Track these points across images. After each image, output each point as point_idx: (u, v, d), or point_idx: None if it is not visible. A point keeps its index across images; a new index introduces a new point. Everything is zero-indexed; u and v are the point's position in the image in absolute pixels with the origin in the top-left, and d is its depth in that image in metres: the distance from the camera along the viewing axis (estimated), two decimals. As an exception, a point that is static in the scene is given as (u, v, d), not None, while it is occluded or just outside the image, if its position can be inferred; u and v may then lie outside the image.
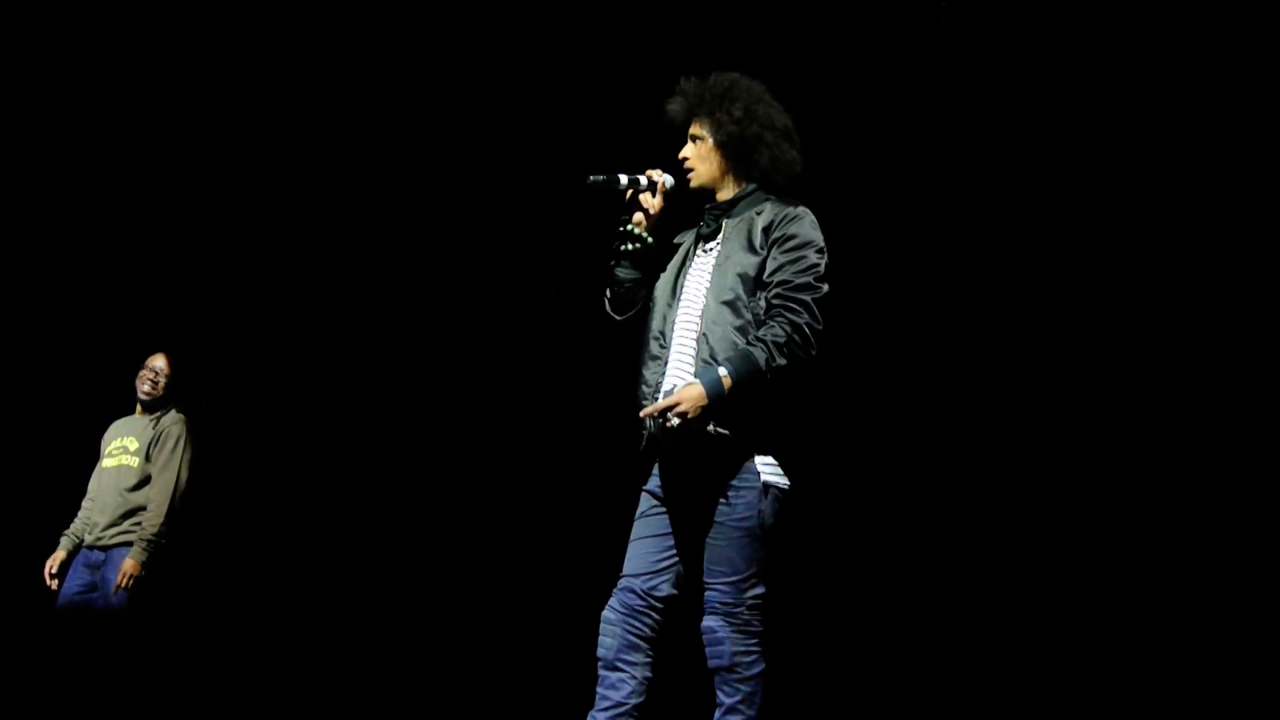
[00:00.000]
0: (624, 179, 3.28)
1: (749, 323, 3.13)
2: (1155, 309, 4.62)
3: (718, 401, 3.02)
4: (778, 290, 3.12)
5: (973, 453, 4.74)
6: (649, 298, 3.33)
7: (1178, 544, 4.56)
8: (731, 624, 3.10)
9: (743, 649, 3.10)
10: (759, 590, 3.12)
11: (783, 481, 3.13)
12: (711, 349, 3.11)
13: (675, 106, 3.32)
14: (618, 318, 3.35)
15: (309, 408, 5.02)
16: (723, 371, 3.04)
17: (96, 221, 4.90)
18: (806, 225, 3.20)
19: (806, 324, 3.08)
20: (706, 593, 3.13)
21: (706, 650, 3.11)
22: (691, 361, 3.15)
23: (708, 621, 3.12)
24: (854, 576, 4.76)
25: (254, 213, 4.98)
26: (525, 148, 4.99)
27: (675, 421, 3.02)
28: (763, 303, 3.14)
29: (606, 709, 3.15)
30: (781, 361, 3.05)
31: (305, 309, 5.01)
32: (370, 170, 5.01)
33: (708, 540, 3.12)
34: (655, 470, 3.23)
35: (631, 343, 3.33)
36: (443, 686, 4.96)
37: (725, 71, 3.31)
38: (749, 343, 3.09)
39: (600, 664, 3.19)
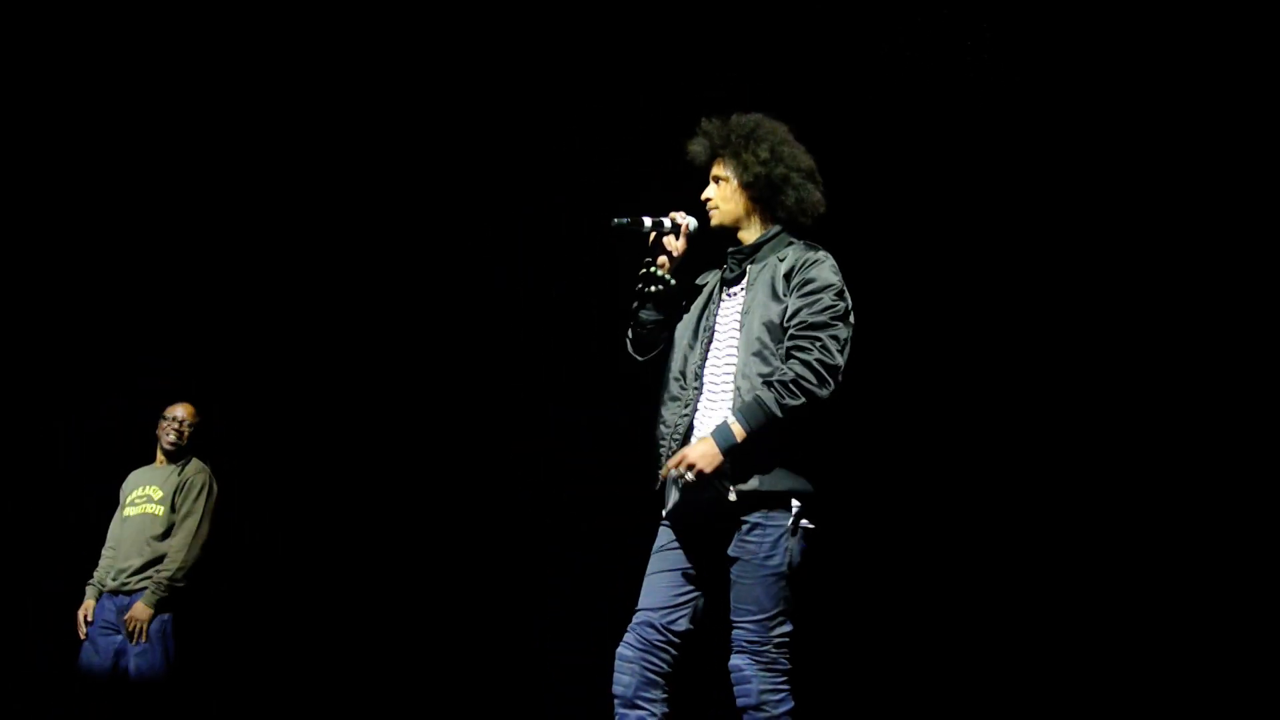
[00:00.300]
0: (648, 221, 3.28)
1: (776, 370, 3.13)
2: (1155, 309, 4.62)
3: (732, 453, 3.04)
4: (793, 330, 3.14)
5: (979, 461, 4.74)
6: (670, 338, 3.34)
7: (1179, 545, 4.56)
8: (759, 662, 3.09)
9: (770, 687, 3.09)
10: (786, 628, 3.12)
11: (807, 522, 3.14)
12: (743, 397, 3.11)
13: (697, 147, 3.33)
14: (640, 359, 3.36)
15: (309, 408, 5.02)
16: (732, 420, 3.06)
17: (96, 222, 4.90)
18: (826, 270, 3.21)
19: (818, 360, 3.08)
20: (734, 631, 3.12)
21: (735, 689, 3.10)
22: (727, 408, 3.15)
23: (735, 660, 3.11)
24: (864, 585, 4.76)
25: (255, 213, 4.98)
26: (525, 148, 4.99)
27: (690, 477, 3.04)
28: (785, 344, 3.16)
29: None
30: (792, 401, 3.05)
31: (306, 309, 5.01)
32: (371, 171, 5.01)
33: (734, 579, 3.12)
34: (674, 503, 3.22)
35: (651, 382, 3.35)
36: (443, 686, 4.96)
37: (747, 112, 3.31)
38: (756, 392, 3.09)
39: (618, 702, 3.16)
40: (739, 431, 3.05)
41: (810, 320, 3.13)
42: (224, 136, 4.92)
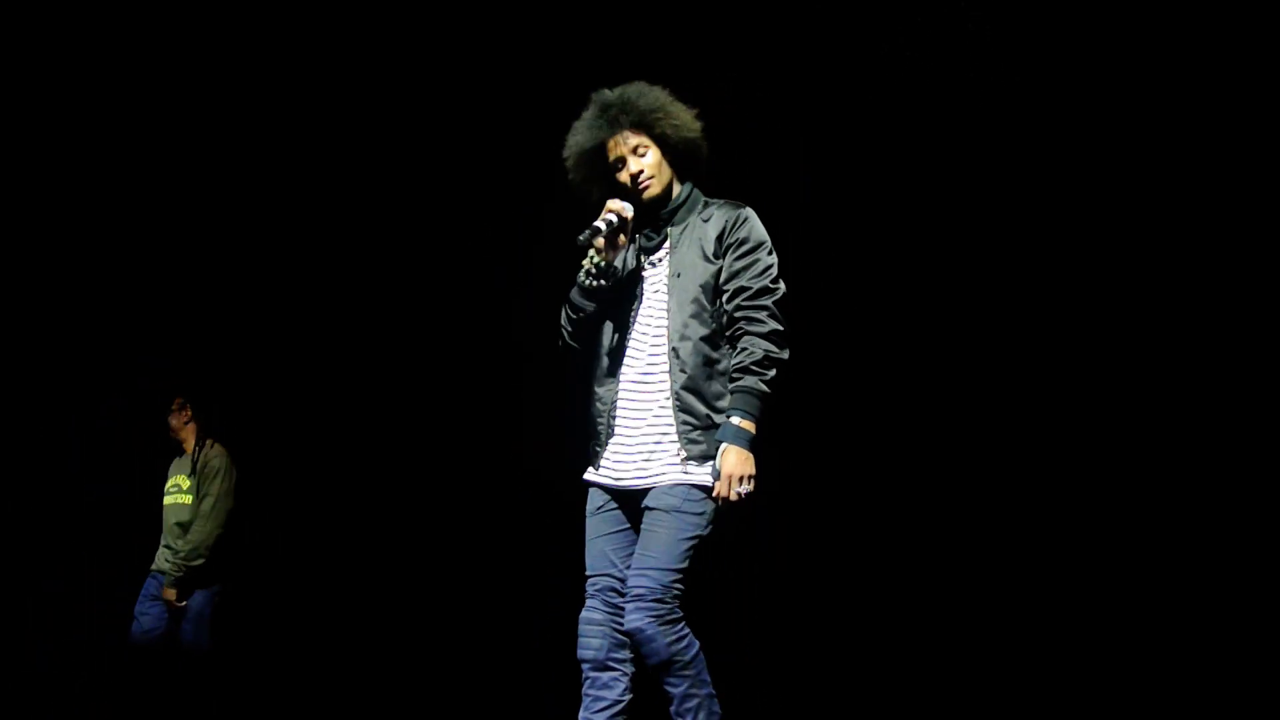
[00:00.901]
0: (602, 225, 3.21)
1: (716, 331, 3.17)
2: (1154, 308, 4.62)
3: (753, 446, 3.08)
4: (738, 301, 3.16)
5: (963, 451, 4.74)
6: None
7: (1177, 544, 4.56)
8: (660, 617, 3.06)
9: (673, 639, 3.07)
10: (679, 587, 3.10)
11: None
12: (683, 361, 3.14)
13: (600, 127, 3.26)
14: (578, 347, 3.35)
15: (309, 408, 5.02)
16: (736, 420, 3.09)
17: (95, 222, 4.90)
18: (757, 227, 3.23)
19: (772, 331, 3.13)
20: (629, 579, 3.12)
21: (641, 652, 3.08)
22: (665, 376, 3.16)
23: (632, 622, 3.08)
24: (845, 576, 4.76)
25: (255, 214, 4.98)
26: (525, 148, 4.99)
27: (747, 489, 3.07)
28: (724, 307, 3.17)
29: (603, 709, 3.14)
30: (771, 374, 3.11)
31: (305, 309, 5.01)
32: (370, 171, 5.01)
33: (643, 530, 3.13)
34: (604, 465, 3.22)
35: (580, 363, 3.35)
36: (443, 686, 4.96)
37: (624, 83, 3.27)
38: (734, 374, 3.12)
39: (589, 666, 3.16)
40: (749, 425, 3.08)
41: (753, 287, 3.15)
42: (224, 137, 4.92)
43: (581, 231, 3.17)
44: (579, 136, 3.30)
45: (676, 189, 3.30)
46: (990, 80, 4.67)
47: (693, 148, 3.25)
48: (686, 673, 3.08)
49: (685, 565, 3.10)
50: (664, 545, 3.09)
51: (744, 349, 3.13)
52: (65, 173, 4.84)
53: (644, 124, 3.23)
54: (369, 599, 5.02)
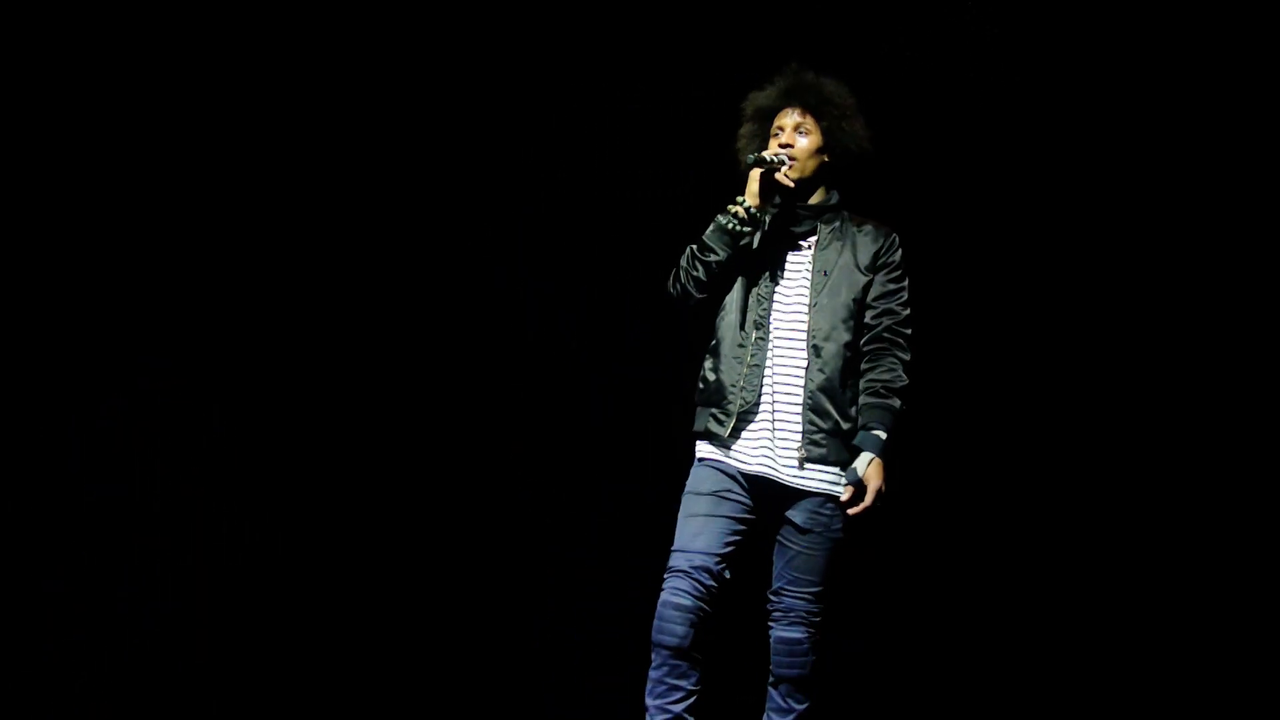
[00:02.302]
0: (772, 158, 3.20)
1: (858, 343, 3.20)
2: (1156, 309, 4.62)
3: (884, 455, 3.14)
4: (888, 323, 3.22)
5: (964, 451, 4.74)
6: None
7: (1178, 546, 4.56)
8: (813, 638, 3.14)
9: (815, 659, 3.15)
10: (824, 603, 3.18)
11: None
12: (824, 362, 3.14)
13: (780, 94, 3.28)
14: (698, 296, 3.24)
15: (308, 408, 5.01)
16: (879, 433, 3.13)
17: (95, 222, 4.90)
18: (902, 255, 3.32)
19: (910, 362, 3.23)
20: (786, 600, 3.13)
21: (785, 659, 3.12)
22: (801, 371, 3.15)
23: (793, 633, 3.13)
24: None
25: (254, 214, 4.97)
26: (525, 148, 4.99)
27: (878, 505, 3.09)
28: (868, 322, 3.23)
29: (679, 699, 3.09)
30: (903, 401, 3.20)
31: (304, 309, 5.00)
32: (369, 170, 5.01)
33: (800, 549, 3.13)
34: (742, 456, 3.17)
35: (698, 317, 3.28)
36: (443, 686, 4.95)
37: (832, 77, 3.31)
38: (878, 389, 3.17)
39: (668, 652, 3.08)
40: (885, 438, 3.15)
41: (902, 314, 3.24)
42: (223, 137, 4.91)
43: (752, 152, 3.16)
44: (762, 94, 3.32)
45: (824, 192, 3.31)
46: (990, 81, 4.67)
47: (850, 159, 3.28)
48: (809, 696, 3.14)
49: (828, 588, 3.16)
50: (822, 569, 3.13)
51: (890, 369, 3.19)
52: (65, 172, 4.83)
53: (818, 111, 3.25)
54: (368, 599, 5.01)
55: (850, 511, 3.10)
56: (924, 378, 4.78)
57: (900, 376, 3.18)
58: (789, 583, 3.13)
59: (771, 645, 3.19)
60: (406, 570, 5.02)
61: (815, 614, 3.12)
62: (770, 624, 3.19)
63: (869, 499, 3.07)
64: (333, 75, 4.93)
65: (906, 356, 3.21)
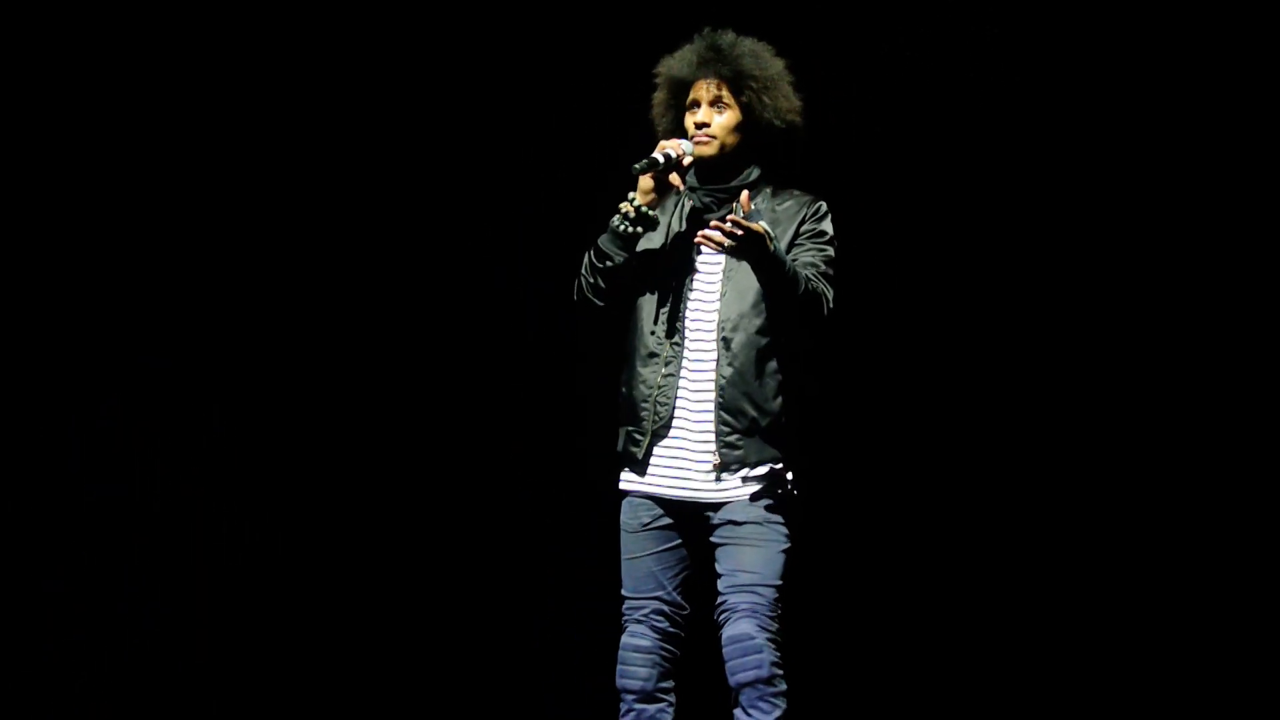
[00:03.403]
0: (659, 157, 2.92)
1: (770, 329, 2.93)
2: (1156, 310, 4.62)
3: (768, 256, 2.78)
4: (810, 273, 2.90)
5: (962, 452, 4.74)
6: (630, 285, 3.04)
7: (1179, 547, 4.56)
8: (768, 631, 2.85)
9: (777, 659, 2.85)
10: (780, 608, 2.89)
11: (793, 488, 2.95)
12: (733, 354, 2.90)
13: (693, 63, 3.00)
14: (600, 304, 3.05)
15: (308, 408, 5.01)
16: (779, 249, 2.82)
17: (95, 221, 4.90)
18: (831, 224, 3.03)
19: (827, 301, 2.92)
20: (728, 600, 2.86)
21: (738, 661, 2.83)
22: (711, 367, 2.92)
23: (743, 626, 2.83)
24: (844, 575, 4.75)
25: (252, 213, 4.97)
26: (525, 148, 4.99)
27: (732, 232, 2.72)
28: None
29: None
30: (811, 292, 2.86)
31: (304, 310, 5.00)
32: (369, 171, 5.01)
33: (733, 541, 2.89)
34: (657, 479, 2.98)
35: (601, 326, 3.09)
36: (443, 686, 4.95)
37: (749, 36, 3.04)
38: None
39: (633, 697, 2.95)
40: (780, 254, 2.80)
41: (824, 268, 2.94)
42: (223, 137, 4.91)
43: (637, 160, 2.91)
44: (674, 61, 3.07)
45: (741, 166, 3.02)
46: (991, 81, 4.67)
47: (775, 134, 3.00)
48: (778, 702, 2.84)
49: (783, 582, 2.87)
50: (767, 560, 2.85)
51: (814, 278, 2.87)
52: (64, 172, 4.83)
53: (735, 84, 2.98)
54: (368, 598, 5.01)
55: (727, 217, 2.73)
56: (925, 378, 4.81)
57: (817, 287, 2.84)
58: (731, 581, 2.85)
59: (722, 653, 2.90)
60: (406, 570, 5.02)
61: (765, 608, 2.82)
62: (719, 634, 2.93)
63: (744, 218, 2.72)
64: (333, 75, 4.93)
65: (829, 292, 2.88)
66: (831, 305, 2.94)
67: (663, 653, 2.99)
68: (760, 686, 2.84)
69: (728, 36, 3.06)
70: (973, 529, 4.72)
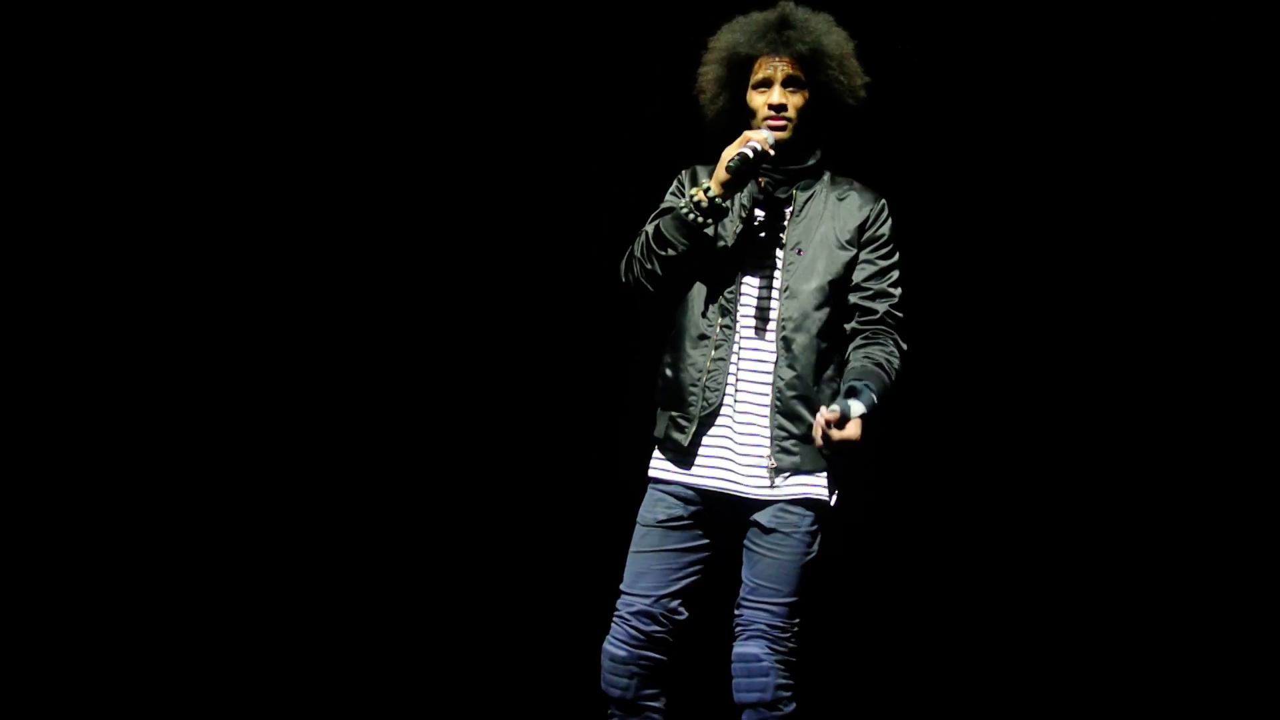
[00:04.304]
0: (749, 152, 2.75)
1: (836, 330, 2.84)
2: (1156, 311, 4.62)
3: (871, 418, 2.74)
4: (886, 308, 2.85)
5: (963, 452, 4.74)
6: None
7: (1179, 547, 4.56)
8: (778, 653, 2.77)
9: (784, 682, 2.78)
10: (797, 619, 2.82)
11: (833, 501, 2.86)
12: (794, 356, 2.78)
13: (764, 39, 2.79)
14: (651, 289, 2.87)
15: (308, 408, 5.02)
16: (873, 396, 2.73)
17: (95, 221, 4.90)
18: (891, 227, 2.94)
19: (906, 352, 2.88)
20: (745, 612, 2.80)
21: (741, 680, 2.77)
22: (766, 361, 2.80)
23: (750, 648, 2.77)
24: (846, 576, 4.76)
25: (251, 213, 4.97)
26: (525, 147, 4.99)
27: (842, 457, 2.69)
28: (858, 303, 2.85)
29: None
30: (897, 375, 2.84)
31: (304, 310, 5.00)
32: (369, 171, 5.01)
33: (761, 550, 2.79)
34: (699, 469, 2.85)
35: (655, 318, 2.97)
36: (443, 686, 4.95)
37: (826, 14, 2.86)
38: (876, 363, 2.78)
39: (618, 708, 2.88)
40: (875, 401, 2.72)
41: (896, 297, 2.86)
42: (223, 137, 4.91)
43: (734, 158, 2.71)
44: (737, 35, 2.87)
45: (808, 151, 2.90)
46: (991, 81, 4.67)
47: (842, 115, 2.88)
48: None
49: (799, 597, 2.79)
50: (789, 577, 2.76)
51: (890, 353, 2.81)
52: (64, 171, 4.83)
53: (812, 62, 2.81)
54: (368, 598, 5.01)
55: (829, 431, 2.62)
56: (923, 377, 4.81)
57: (897, 365, 2.79)
58: (750, 591, 2.78)
59: (730, 669, 2.82)
60: (407, 570, 5.02)
61: (779, 628, 2.75)
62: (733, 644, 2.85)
63: (851, 432, 2.62)
64: (334, 75, 4.93)
65: (905, 347, 2.83)
66: (905, 348, 2.89)
67: (641, 663, 2.89)
68: (762, 710, 2.79)
69: (800, 11, 2.89)
70: (973, 529, 4.72)
